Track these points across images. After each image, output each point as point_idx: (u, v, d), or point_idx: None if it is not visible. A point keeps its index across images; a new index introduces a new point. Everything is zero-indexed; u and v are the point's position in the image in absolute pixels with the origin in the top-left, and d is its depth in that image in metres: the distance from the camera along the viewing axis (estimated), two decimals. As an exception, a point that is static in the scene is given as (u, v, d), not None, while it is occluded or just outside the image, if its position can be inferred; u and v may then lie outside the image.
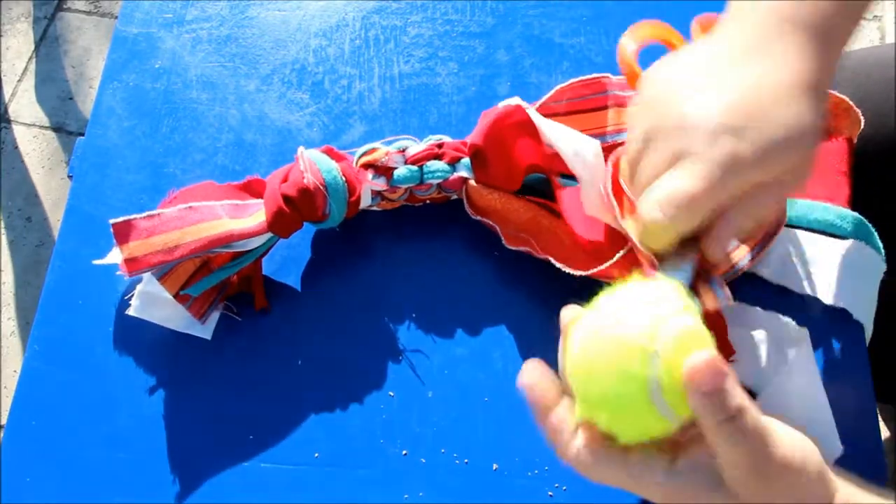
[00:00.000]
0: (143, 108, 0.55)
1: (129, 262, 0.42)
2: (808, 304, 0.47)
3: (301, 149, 0.46)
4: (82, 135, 0.55)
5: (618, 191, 0.40)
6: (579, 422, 0.32)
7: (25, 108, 1.48)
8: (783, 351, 0.44)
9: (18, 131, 1.47)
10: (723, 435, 0.29)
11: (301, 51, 0.57)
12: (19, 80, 1.51)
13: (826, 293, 0.47)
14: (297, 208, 0.44)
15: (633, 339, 0.30)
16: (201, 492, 0.44)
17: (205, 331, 0.47)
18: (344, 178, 0.45)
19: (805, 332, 0.45)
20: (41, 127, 1.47)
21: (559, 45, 0.57)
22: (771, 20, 0.35)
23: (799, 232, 0.48)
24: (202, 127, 0.54)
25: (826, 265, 0.47)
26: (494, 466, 0.44)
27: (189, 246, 0.42)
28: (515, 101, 0.46)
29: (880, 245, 0.48)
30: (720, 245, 0.34)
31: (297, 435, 0.45)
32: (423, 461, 0.44)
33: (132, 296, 0.46)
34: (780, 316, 0.46)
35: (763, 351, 0.44)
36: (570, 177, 0.46)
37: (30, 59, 1.53)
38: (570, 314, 0.33)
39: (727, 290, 0.36)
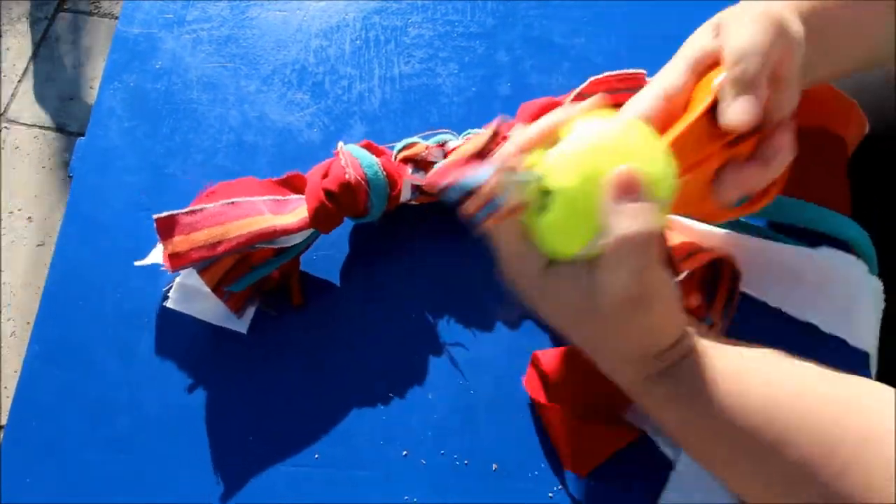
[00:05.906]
0: (144, 109, 0.55)
1: (173, 257, 0.42)
2: (809, 331, 0.46)
3: (341, 144, 0.46)
4: (82, 135, 0.55)
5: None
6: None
7: (26, 108, 1.48)
8: None
9: (19, 131, 1.47)
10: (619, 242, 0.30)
11: (301, 51, 0.57)
12: (19, 81, 1.51)
13: (827, 322, 0.46)
14: (338, 203, 0.44)
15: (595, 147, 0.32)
16: (201, 493, 0.44)
17: (241, 324, 0.47)
18: (385, 173, 0.45)
19: None
20: (41, 127, 1.47)
21: (559, 45, 0.57)
22: None
23: (800, 256, 0.47)
24: (203, 127, 0.54)
25: (825, 290, 0.46)
26: (494, 467, 0.44)
27: (232, 241, 0.42)
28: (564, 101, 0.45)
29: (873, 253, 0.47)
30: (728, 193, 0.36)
31: (297, 436, 0.45)
32: (424, 462, 0.44)
33: (170, 288, 0.46)
34: None
35: None
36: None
37: (30, 59, 1.54)
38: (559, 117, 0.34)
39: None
